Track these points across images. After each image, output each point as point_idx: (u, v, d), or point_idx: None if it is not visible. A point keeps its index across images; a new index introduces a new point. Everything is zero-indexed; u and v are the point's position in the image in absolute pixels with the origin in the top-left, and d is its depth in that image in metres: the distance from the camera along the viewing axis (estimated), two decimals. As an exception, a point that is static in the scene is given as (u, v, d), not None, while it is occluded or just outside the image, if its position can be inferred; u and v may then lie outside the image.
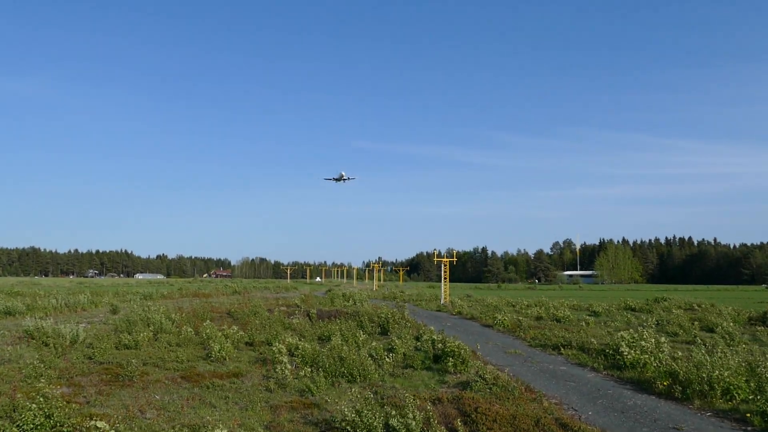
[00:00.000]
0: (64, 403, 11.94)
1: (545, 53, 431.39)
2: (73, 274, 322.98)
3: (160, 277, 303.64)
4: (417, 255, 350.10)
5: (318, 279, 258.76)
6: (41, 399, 11.49)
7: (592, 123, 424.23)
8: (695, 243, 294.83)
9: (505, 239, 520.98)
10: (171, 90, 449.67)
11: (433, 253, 78.25)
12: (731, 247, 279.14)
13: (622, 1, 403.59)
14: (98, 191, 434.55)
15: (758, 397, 13.66)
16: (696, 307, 47.28)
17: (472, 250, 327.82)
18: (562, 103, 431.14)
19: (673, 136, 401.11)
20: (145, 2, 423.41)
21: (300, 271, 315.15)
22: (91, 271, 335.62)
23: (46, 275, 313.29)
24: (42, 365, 17.75)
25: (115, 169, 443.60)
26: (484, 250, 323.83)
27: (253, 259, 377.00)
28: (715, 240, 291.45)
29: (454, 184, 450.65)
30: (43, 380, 14.73)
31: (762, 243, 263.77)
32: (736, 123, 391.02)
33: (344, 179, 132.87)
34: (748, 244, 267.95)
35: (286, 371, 16.90)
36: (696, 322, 33.87)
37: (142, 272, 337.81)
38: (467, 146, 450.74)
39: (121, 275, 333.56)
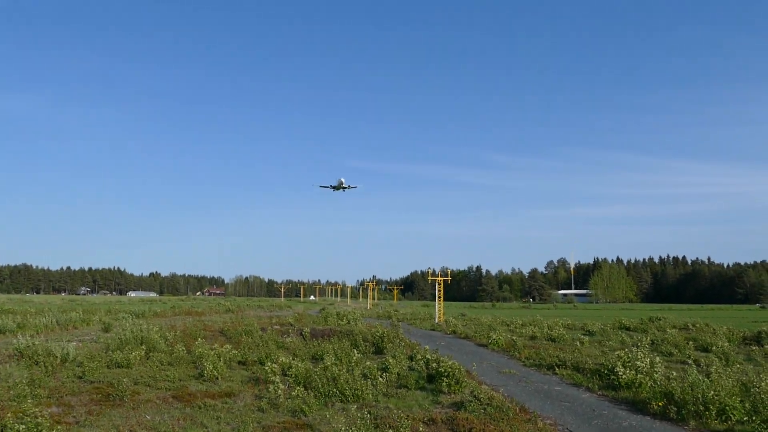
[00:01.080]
0: (53, 423, 11.77)
1: (537, 74, 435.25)
2: (64, 292, 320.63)
3: (152, 295, 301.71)
4: (411, 274, 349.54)
5: (312, 297, 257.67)
6: (30, 419, 11.32)
7: (585, 143, 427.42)
8: (689, 262, 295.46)
9: (499, 258, 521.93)
10: (164, 109, 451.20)
11: (428, 272, 77.89)
12: (725, 266, 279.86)
13: (613, 24, 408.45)
14: (91, 208, 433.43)
15: (753, 417, 13.61)
16: (690, 327, 47.24)
17: (466, 269, 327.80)
18: (555, 124, 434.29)
19: (665, 156, 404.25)
20: (137, 23, 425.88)
21: (294, 289, 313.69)
22: (83, 288, 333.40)
23: (38, 292, 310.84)
24: (32, 384, 17.54)
25: (108, 187, 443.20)
26: (478, 269, 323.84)
27: (246, 278, 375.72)
28: (708, 259, 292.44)
29: (448, 203, 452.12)
30: (31, 400, 14.54)
31: (755, 262, 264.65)
32: (727, 143, 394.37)
33: (344, 187, 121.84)
34: (742, 263, 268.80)
35: (279, 391, 16.74)
36: (691, 342, 33.81)
37: (134, 290, 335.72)
38: (461, 166, 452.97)
39: (114, 293, 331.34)
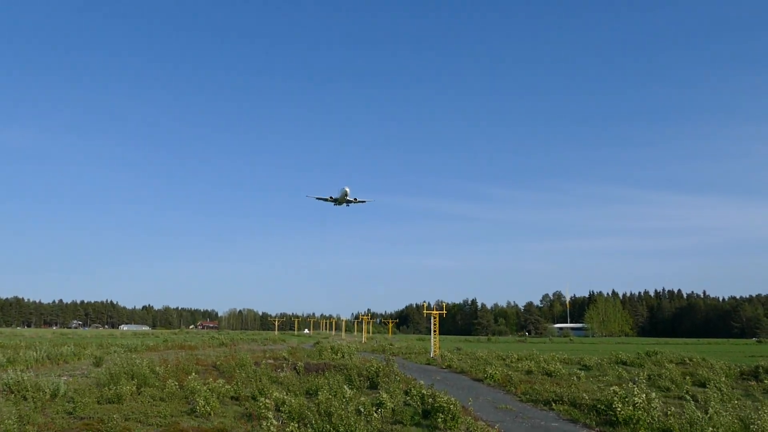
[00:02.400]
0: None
1: (531, 107, 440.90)
2: (56, 325, 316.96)
3: (145, 328, 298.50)
4: (406, 307, 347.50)
5: (306, 331, 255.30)
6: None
7: (578, 176, 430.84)
8: (684, 296, 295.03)
9: (494, 291, 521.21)
10: (158, 141, 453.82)
11: (423, 305, 77.96)
12: (720, 300, 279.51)
13: (605, 61, 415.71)
14: (84, 241, 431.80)
15: (753, 455, 13.44)
16: (687, 362, 46.95)
17: (461, 302, 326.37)
18: (548, 157, 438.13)
19: (659, 189, 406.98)
20: (131, 54, 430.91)
21: (288, 322, 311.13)
22: (74, 321, 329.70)
23: (29, 326, 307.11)
24: (20, 421, 17.22)
25: (102, 220, 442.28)
26: (473, 302, 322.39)
27: (240, 311, 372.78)
28: (704, 293, 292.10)
29: (443, 235, 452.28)
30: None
31: (751, 296, 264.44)
32: (720, 177, 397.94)
33: (348, 201, 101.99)
34: (737, 297, 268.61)
35: (272, 427, 16.48)
36: (688, 377, 33.57)
37: (127, 323, 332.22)
38: (455, 198, 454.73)
39: (106, 326, 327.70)
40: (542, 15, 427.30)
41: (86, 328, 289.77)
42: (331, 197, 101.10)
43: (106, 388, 23.91)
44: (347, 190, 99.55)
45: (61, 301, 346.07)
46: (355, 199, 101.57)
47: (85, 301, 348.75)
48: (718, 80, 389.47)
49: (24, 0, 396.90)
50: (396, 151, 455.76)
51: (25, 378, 24.13)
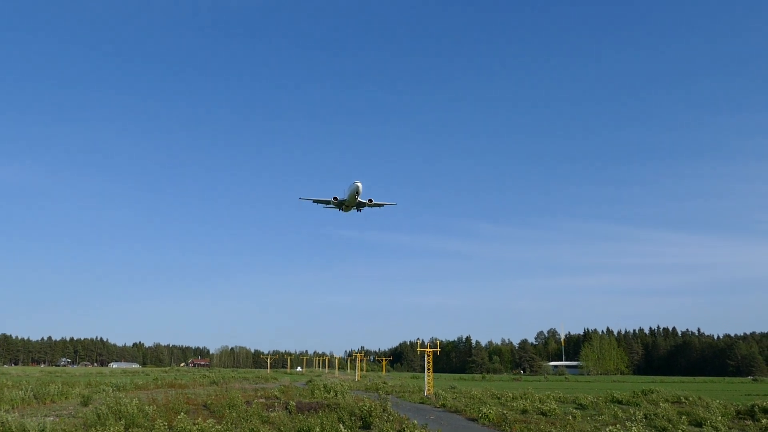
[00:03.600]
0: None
1: (524, 146, 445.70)
2: (44, 363, 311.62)
3: (135, 366, 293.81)
4: (400, 344, 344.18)
5: (299, 368, 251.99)
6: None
7: (572, 214, 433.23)
8: (679, 333, 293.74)
9: (489, 328, 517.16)
10: (148, 178, 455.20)
11: (417, 342, 77.07)
12: (715, 337, 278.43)
13: (598, 101, 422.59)
14: (74, 277, 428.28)
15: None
16: (683, 401, 46.50)
17: (456, 339, 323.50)
18: (541, 195, 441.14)
19: (652, 227, 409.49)
20: (127, 89, 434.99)
21: (281, 360, 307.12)
22: (63, 359, 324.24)
23: (16, 363, 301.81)
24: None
25: (92, 256, 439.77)
26: (468, 339, 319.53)
27: (232, 348, 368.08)
28: (698, 330, 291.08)
29: (437, 272, 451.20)
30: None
31: (745, 334, 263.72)
32: (713, 215, 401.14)
33: (361, 204, 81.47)
34: (732, 335, 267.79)
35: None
36: (684, 416, 33.19)
37: (116, 361, 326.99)
38: (449, 235, 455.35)
39: (95, 364, 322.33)
40: (535, 55, 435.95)
41: (75, 366, 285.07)
42: (335, 199, 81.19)
43: (93, 428, 23.46)
44: (359, 186, 77.57)
45: (49, 338, 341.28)
46: (371, 200, 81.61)
47: (75, 338, 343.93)
48: (706, 121, 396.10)
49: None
50: (388, 188, 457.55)
51: (10, 419, 23.66)
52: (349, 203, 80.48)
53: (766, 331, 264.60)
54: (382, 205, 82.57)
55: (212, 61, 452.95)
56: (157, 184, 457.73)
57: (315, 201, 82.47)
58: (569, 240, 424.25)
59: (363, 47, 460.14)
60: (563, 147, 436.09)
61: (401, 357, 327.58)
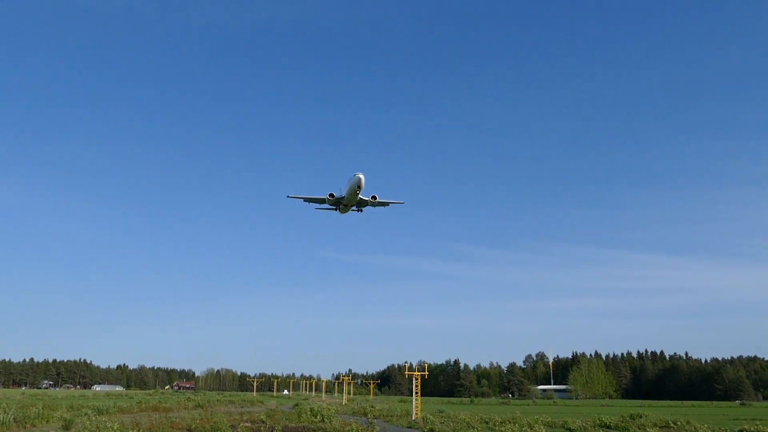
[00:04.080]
0: None
1: (510, 169, 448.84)
2: (26, 385, 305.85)
3: (119, 388, 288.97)
4: (388, 367, 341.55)
5: (285, 392, 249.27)
6: None
7: (559, 237, 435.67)
8: (667, 357, 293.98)
9: (477, 351, 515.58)
10: (133, 198, 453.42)
11: (405, 366, 76.81)
12: (703, 361, 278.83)
13: (589, 126, 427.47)
14: (57, 298, 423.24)
15: None
16: (672, 425, 46.43)
17: (444, 362, 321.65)
18: (528, 218, 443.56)
19: (640, 251, 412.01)
20: (105, 111, 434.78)
21: (267, 383, 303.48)
22: (45, 381, 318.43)
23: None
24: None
25: (76, 276, 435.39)
26: (456, 362, 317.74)
27: (218, 371, 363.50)
28: (686, 354, 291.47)
29: (425, 295, 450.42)
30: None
31: (732, 358, 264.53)
32: (699, 239, 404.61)
33: (363, 202, 72.34)
34: (719, 359, 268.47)
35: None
36: (673, 442, 33.08)
37: (100, 383, 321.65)
38: (437, 258, 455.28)
39: (78, 386, 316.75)
40: (527, 80, 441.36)
41: (57, 389, 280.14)
42: (331, 197, 71.17)
43: (74, 453, 22.99)
44: (361, 179, 67.20)
45: (31, 359, 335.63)
46: (374, 198, 71.68)
47: (57, 360, 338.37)
48: (692, 146, 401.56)
49: None
50: (375, 212, 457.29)
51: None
52: (348, 201, 70.83)
53: (753, 355, 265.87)
54: (387, 203, 73.10)
55: (202, 81, 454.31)
56: (141, 205, 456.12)
57: (306, 200, 73.00)
58: (558, 263, 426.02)
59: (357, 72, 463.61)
60: (552, 171, 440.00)
61: (389, 380, 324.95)
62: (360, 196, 70.88)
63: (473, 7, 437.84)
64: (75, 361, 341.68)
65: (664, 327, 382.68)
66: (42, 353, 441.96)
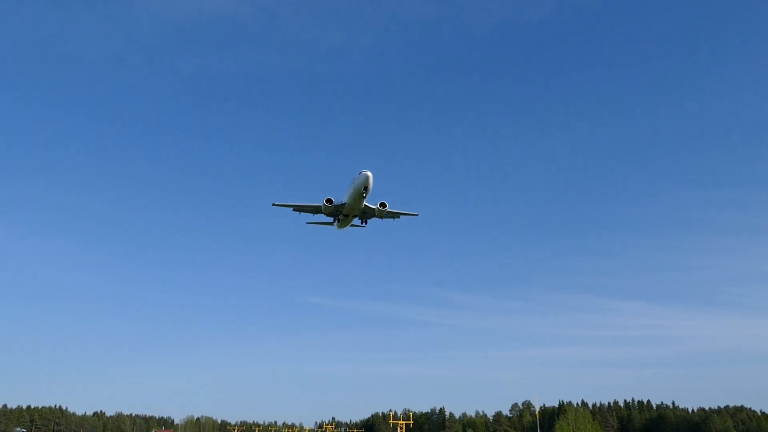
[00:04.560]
0: None
1: (496, 217, 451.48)
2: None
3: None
4: (372, 416, 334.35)
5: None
6: None
7: (544, 284, 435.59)
8: (654, 406, 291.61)
9: (463, 399, 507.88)
10: (112, 243, 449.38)
11: (389, 414, 74.93)
12: (690, 411, 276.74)
13: (572, 175, 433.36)
14: (31, 341, 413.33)
15: None
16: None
17: (429, 410, 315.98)
18: (514, 265, 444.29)
19: (623, 298, 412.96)
20: (84, 154, 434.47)
21: (248, 431, 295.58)
22: (18, 429, 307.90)
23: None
24: None
25: (52, 320, 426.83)
26: (441, 411, 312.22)
27: (198, 418, 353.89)
28: (673, 403, 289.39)
29: (410, 342, 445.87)
30: None
31: (719, 407, 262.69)
32: (683, 288, 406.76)
33: (369, 211, 61.25)
34: (706, 409, 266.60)
35: None
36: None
37: (75, 431, 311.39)
38: (422, 305, 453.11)
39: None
40: (508, 130, 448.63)
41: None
42: (329, 203, 59.40)
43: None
44: (369, 177, 55.45)
45: (4, 406, 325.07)
46: (384, 205, 60.53)
47: (32, 406, 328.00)
48: (673, 195, 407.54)
49: None
50: (360, 257, 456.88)
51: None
52: (350, 208, 59.98)
53: (740, 405, 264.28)
54: (398, 214, 61.58)
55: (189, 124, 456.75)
56: (119, 251, 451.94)
57: (297, 209, 62.02)
58: (543, 311, 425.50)
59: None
60: (538, 219, 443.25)
61: (373, 428, 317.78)
62: (365, 203, 59.88)
63: (447, 57, 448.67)
64: (50, 408, 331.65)
65: (651, 376, 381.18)
66: (15, 399, 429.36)
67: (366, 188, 57.97)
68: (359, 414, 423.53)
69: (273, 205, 61.87)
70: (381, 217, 62.22)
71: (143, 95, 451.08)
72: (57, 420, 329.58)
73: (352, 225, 64.33)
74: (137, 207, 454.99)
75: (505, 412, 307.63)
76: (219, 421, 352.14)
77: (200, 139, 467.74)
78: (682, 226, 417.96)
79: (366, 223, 63.30)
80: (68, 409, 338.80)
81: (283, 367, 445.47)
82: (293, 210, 63.43)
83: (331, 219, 63.81)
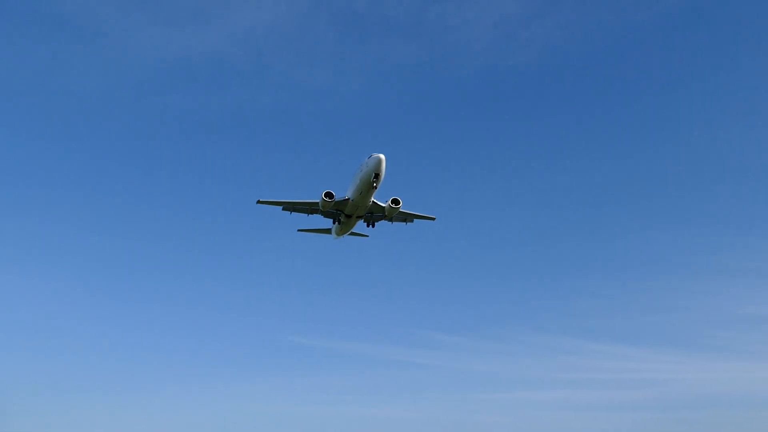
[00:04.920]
0: None
1: (477, 256, 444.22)
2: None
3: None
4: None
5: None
6: None
7: (525, 325, 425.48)
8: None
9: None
10: (84, 278, 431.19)
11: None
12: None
13: (551, 214, 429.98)
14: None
15: None
16: None
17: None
18: (495, 306, 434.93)
19: (609, 341, 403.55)
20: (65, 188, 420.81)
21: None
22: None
23: None
24: None
25: (20, 360, 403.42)
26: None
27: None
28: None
29: (388, 383, 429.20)
30: None
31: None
32: (671, 331, 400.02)
33: (378, 211, 52.83)
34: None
35: None
36: None
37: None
38: (400, 344, 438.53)
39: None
40: (485, 169, 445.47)
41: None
42: (329, 198, 49.21)
43: None
44: (382, 160, 46.00)
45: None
46: (397, 202, 51.29)
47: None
48: (648, 236, 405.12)
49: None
50: (339, 295, 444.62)
51: None
52: (355, 204, 50.30)
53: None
54: (411, 218, 53.65)
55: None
56: (99, 285, 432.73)
57: (288, 207, 52.16)
58: (527, 353, 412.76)
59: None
60: (519, 258, 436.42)
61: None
62: (374, 199, 50.24)
63: (431, 99, 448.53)
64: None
65: (638, 419, 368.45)
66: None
67: (377, 176, 48.00)
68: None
69: (258, 202, 53.91)
70: (391, 220, 54.65)
71: (131, 133, 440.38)
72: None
73: (353, 233, 56.54)
74: (107, 241, 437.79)
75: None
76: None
77: (186, 177, 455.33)
78: (669, 268, 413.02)
79: (373, 226, 54.53)
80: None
81: (250, 408, 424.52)
82: (283, 209, 54.34)
83: (328, 228, 57.12)
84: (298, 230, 61.69)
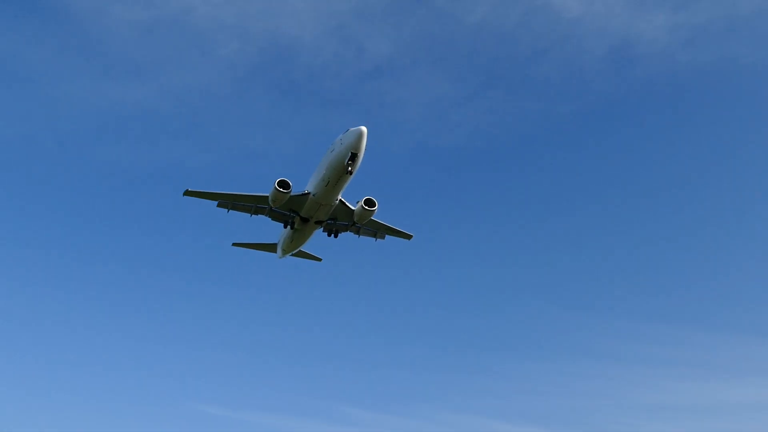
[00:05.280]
0: None
1: (393, 331, 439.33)
2: None
3: None
4: None
5: None
6: None
7: (440, 404, 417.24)
8: None
9: None
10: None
11: None
12: None
13: (510, 296, 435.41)
14: None
15: None
16: None
17: None
18: (415, 379, 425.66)
19: (518, 423, 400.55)
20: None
21: None
22: None
23: None
24: None
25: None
26: None
27: None
28: None
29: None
30: None
31: None
32: (583, 415, 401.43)
33: (346, 214, 42.36)
34: None
35: None
36: None
37: None
38: (315, 418, 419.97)
39: None
40: (444, 226, 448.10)
41: None
42: (283, 189, 39.50)
43: None
44: (363, 133, 37.39)
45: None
46: (371, 203, 41.18)
47: None
48: (574, 320, 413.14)
49: None
50: (253, 362, 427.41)
51: None
52: (315, 204, 40.04)
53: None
54: (384, 231, 43.93)
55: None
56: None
57: (225, 202, 41.13)
58: None
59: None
60: (452, 334, 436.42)
61: None
62: (341, 197, 40.04)
63: (363, 173, 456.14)
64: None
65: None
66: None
67: (355, 157, 36.14)
68: None
69: (186, 193, 41.16)
70: (358, 231, 42.28)
71: (56, 184, 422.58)
72: None
73: (303, 253, 43.76)
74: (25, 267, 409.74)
75: None
76: None
77: (117, 228, 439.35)
78: (584, 352, 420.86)
79: (336, 236, 42.17)
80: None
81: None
82: (218, 205, 41.16)
83: (274, 236, 44.60)
84: (233, 244, 47.41)
